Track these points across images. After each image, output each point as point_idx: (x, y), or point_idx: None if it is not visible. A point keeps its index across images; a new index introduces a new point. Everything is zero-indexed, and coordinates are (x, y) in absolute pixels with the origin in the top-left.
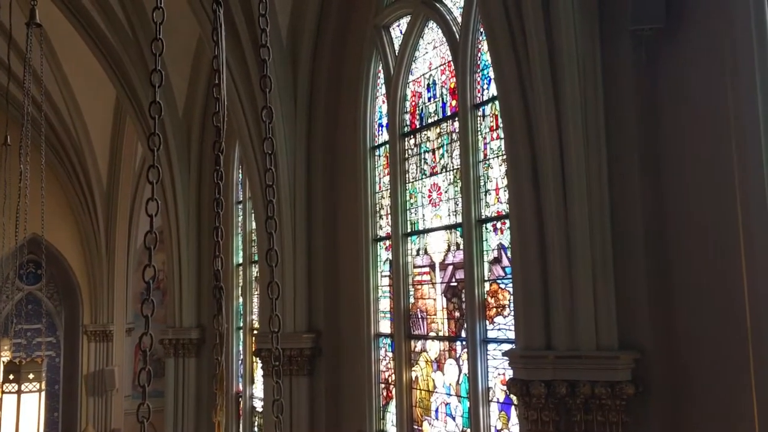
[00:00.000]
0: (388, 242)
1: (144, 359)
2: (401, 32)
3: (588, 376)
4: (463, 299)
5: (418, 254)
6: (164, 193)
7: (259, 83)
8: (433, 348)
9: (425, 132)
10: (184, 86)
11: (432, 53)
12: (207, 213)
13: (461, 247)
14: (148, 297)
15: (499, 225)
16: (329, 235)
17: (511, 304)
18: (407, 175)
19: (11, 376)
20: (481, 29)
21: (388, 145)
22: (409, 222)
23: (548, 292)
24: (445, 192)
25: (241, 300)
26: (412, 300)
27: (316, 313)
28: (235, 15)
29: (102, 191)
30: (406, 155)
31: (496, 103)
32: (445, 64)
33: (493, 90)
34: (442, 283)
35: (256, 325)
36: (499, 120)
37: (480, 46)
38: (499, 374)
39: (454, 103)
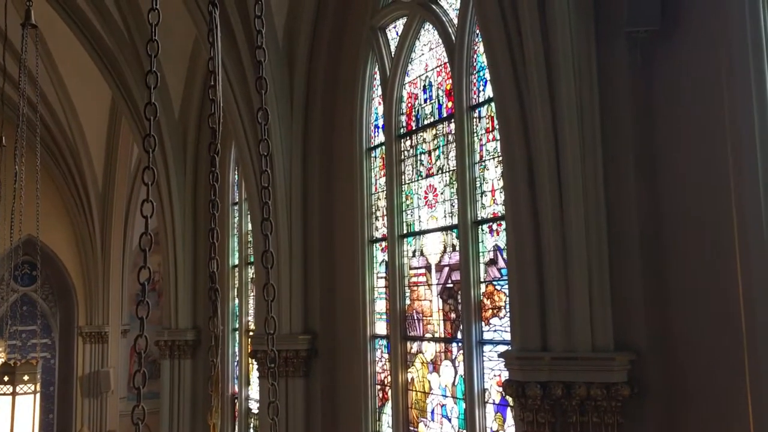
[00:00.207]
0: (384, 244)
1: (139, 361)
2: (397, 34)
3: (584, 378)
4: (459, 301)
5: (414, 256)
6: (160, 195)
7: (255, 84)
8: (429, 349)
9: (421, 133)
10: (180, 87)
11: (428, 55)
12: (203, 214)
13: (457, 248)
14: (143, 299)
15: (495, 226)
16: (325, 237)
17: (507, 306)
18: (403, 177)
19: (6, 378)
20: (477, 31)
21: (384, 147)
22: (405, 223)
23: (544, 293)
24: (441, 193)
25: (236, 301)
26: (408, 301)
27: (312, 315)
28: (231, 16)
29: (97, 192)
30: (402, 157)
31: (492, 104)
32: (441, 65)
33: (489, 92)
34: (438, 284)
35: (252, 326)
36: (495, 121)
37: (476, 47)
38: (494, 376)
39: (450, 104)
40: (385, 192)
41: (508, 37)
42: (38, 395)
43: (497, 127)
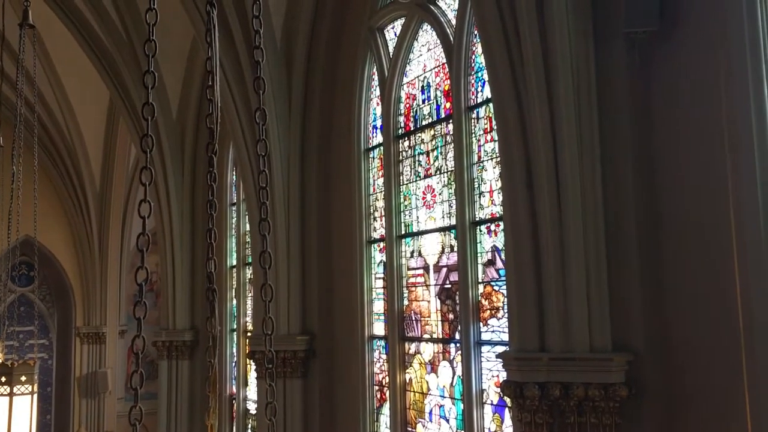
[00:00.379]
0: (382, 244)
1: (136, 362)
2: (395, 34)
3: (581, 378)
4: (457, 301)
5: (412, 256)
6: (158, 195)
7: (253, 85)
8: (427, 350)
9: (419, 134)
10: (178, 88)
11: (426, 55)
12: (200, 215)
13: (455, 249)
14: (141, 299)
15: (493, 227)
16: (323, 237)
17: (505, 306)
18: (401, 177)
19: (3, 379)
20: (476, 32)
21: (382, 147)
22: (403, 224)
23: (542, 293)
24: (439, 194)
25: (234, 302)
26: (406, 302)
27: (309, 315)
28: (229, 16)
29: (95, 193)
30: (401, 157)
31: (490, 105)
32: (439, 66)
33: (487, 92)
34: (436, 285)
35: (250, 327)
36: (493, 122)
37: (474, 48)
38: (492, 376)
39: (448, 105)
40: (383, 192)
41: (507, 37)
42: (35, 396)
43: (495, 127)
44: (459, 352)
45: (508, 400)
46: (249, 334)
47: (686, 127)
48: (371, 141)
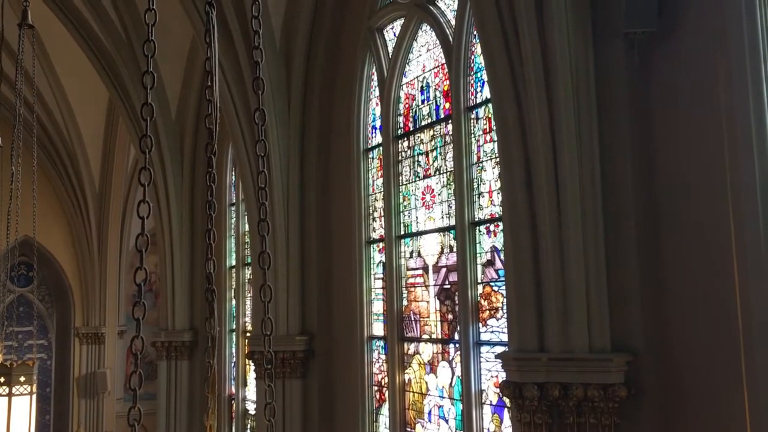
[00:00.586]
0: (381, 244)
1: (135, 362)
2: (395, 35)
3: (581, 379)
4: (456, 302)
5: (411, 257)
6: (157, 196)
7: (252, 85)
8: (426, 350)
9: (419, 134)
10: (177, 88)
11: (425, 56)
12: (200, 215)
13: (454, 249)
14: (140, 300)
15: (492, 227)
16: (322, 238)
17: (504, 307)
18: (401, 178)
19: (2, 379)
20: (475, 32)
21: (381, 148)
22: (402, 224)
23: (541, 294)
24: (439, 194)
25: (233, 303)
26: (405, 302)
27: (309, 316)
28: (228, 16)
29: (94, 193)
30: (400, 158)
31: (490, 105)
32: (438, 66)
33: (486, 93)
34: (435, 285)
35: (249, 327)
36: (493, 122)
37: (473, 48)
38: (492, 377)
39: (447, 105)
40: (382, 193)
41: (506, 38)
42: (35, 396)
43: (495, 128)
44: (458, 352)
45: (507, 400)
46: (248, 334)
47: (686, 127)
48: (370, 141)
